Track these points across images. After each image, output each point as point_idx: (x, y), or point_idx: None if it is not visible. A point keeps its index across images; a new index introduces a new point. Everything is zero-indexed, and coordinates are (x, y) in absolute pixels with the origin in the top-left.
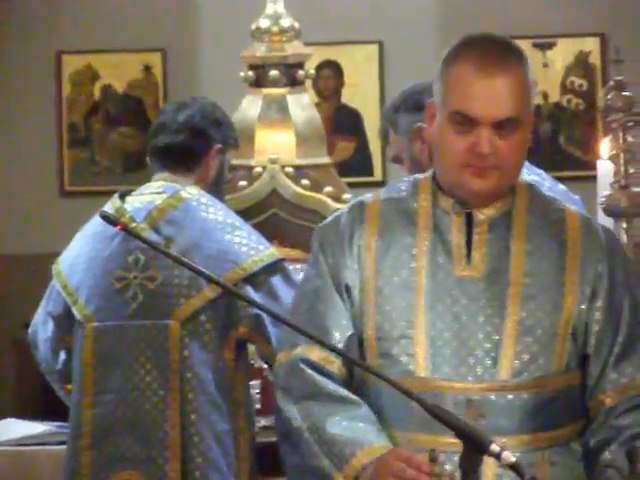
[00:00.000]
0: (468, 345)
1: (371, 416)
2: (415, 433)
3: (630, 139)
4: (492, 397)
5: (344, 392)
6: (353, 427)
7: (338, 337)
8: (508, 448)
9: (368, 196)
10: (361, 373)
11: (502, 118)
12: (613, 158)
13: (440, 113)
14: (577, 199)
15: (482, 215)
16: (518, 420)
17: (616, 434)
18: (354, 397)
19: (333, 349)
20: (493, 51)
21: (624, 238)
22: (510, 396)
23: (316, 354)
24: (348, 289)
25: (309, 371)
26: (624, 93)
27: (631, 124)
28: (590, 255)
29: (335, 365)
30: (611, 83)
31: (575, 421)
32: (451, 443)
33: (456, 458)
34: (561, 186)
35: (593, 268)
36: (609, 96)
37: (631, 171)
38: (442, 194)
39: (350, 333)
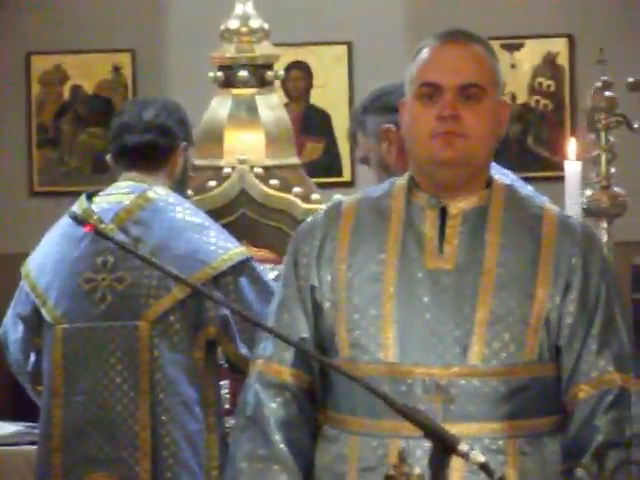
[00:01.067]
0: (438, 333)
1: (288, 462)
2: (386, 420)
3: (611, 139)
4: (461, 382)
5: (274, 430)
6: (260, 469)
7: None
8: (477, 434)
9: (346, 197)
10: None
11: (464, 83)
12: (595, 158)
13: (410, 98)
14: (545, 200)
15: (456, 209)
16: (487, 406)
17: (589, 437)
18: (277, 437)
19: (301, 348)
20: (456, 31)
21: (605, 238)
22: (479, 382)
23: (267, 368)
24: (313, 290)
25: (256, 388)
26: (607, 94)
27: (614, 124)
28: (565, 249)
29: (284, 373)
30: (598, 84)
31: (550, 414)
32: None
33: (426, 444)
34: (529, 187)
35: (567, 262)
36: (592, 96)
37: (612, 171)
38: (417, 191)
39: (302, 337)
